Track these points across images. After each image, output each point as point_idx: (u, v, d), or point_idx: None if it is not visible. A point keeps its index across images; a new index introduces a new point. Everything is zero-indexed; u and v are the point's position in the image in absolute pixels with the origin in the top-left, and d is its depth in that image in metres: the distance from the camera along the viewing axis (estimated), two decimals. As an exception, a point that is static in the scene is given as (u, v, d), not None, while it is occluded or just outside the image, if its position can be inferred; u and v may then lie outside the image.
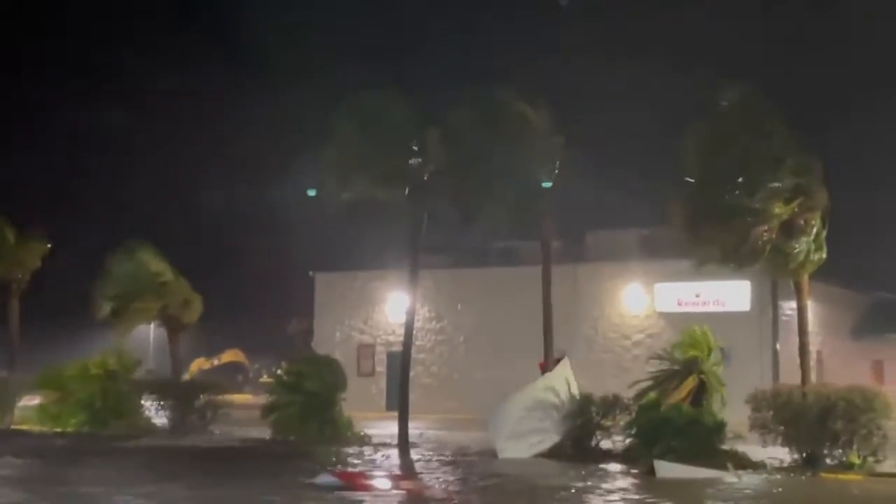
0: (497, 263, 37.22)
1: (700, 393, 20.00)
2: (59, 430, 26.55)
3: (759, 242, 18.99)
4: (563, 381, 21.89)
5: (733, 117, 19.53)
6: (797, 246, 18.98)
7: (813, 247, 19.20)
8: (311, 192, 24.33)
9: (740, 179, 18.97)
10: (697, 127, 19.86)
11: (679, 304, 33.20)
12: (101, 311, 27.62)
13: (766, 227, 18.84)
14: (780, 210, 18.83)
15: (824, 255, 19.51)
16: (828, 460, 18.78)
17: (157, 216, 52.17)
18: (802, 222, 19.04)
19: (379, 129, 22.39)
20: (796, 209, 18.97)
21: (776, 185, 18.78)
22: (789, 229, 19.06)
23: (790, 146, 19.17)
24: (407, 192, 22.93)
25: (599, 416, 21.19)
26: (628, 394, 20.95)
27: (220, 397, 27.94)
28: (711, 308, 32.27)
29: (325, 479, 16.21)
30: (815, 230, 19.18)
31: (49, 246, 29.55)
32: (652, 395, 20.20)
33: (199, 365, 53.59)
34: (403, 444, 23.04)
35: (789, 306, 22.83)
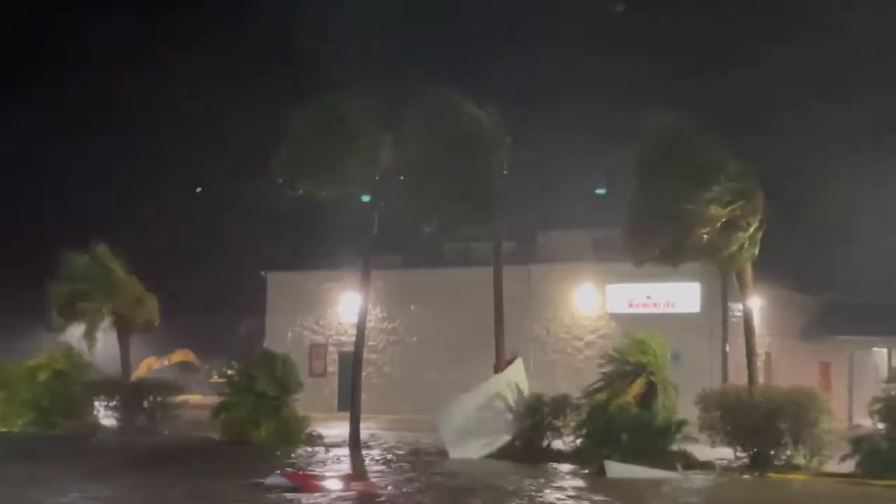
0: (450, 264, 37.25)
1: (649, 395, 20.17)
2: (5, 429, 26.16)
3: (699, 241, 19.50)
4: (515, 382, 22.00)
5: (665, 141, 20.13)
6: (732, 241, 19.46)
7: (747, 243, 19.69)
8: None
9: (680, 187, 19.52)
10: (636, 145, 20.48)
11: (630, 305, 33.42)
12: (53, 311, 27.31)
13: (706, 229, 19.32)
14: (717, 212, 19.26)
15: (756, 251, 20.02)
16: (775, 460, 19.07)
17: (109, 215, 51.57)
18: (744, 223, 19.52)
19: (334, 130, 22.45)
20: (738, 212, 19.45)
21: (715, 189, 19.29)
22: (728, 229, 19.54)
23: (726, 156, 19.74)
24: (360, 192, 23.01)
25: (550, 416, 21.31)
26: (580, 394, 21.07)
27: (169, 397, 27.69)
28: (662, 309, 32.52)
29: (275, 479, 16.14)
30: (752, 229, 19.65)
31: None
32: (602, 395, 20.34)
33: (148, 365, 52.98)
34: (355, 444, 23.02)
35: (739, 308, 23.08)
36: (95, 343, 27.55)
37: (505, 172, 22.56)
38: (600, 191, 36.65)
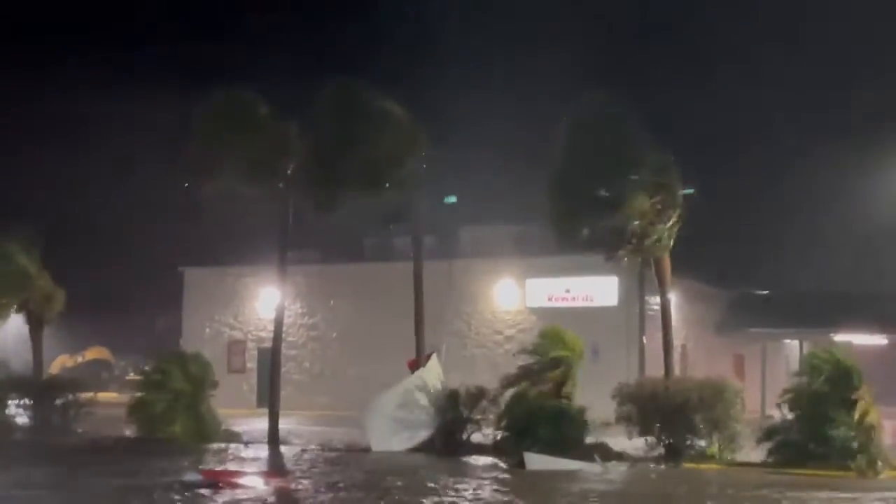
0: (371, 259, 37.18)
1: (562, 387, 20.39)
2: None
3: (623, 233, 19.82)
4: (434, 377, 22.09)
5: (588, 127, 20.35)
6: (654, 233, 19.84)
7: (666, 234, 20.08)
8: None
9: (603, 178, 19.83)
10: (558, 136, 20.74)
11: (549, 299, 33.70)
12: None
13: (629, 220, 19.64)
14: (642, 202, 19.59)
15: (671, 243, 20.45)
16: (689, 451, 19.39)
17: (21, 209, 50.34)
18: (664, 216, 19.88)
19: (241, 125, 22.30)
20: (659, 206, 19.76)
21: (636, 179, 19.63)
22: (650, 221, 19.87)
23: (647, 147, 20.08)
24: (272, 186, 22.90)
25: (467, 409, 21.39)
26: (497, 386, 21.18)
27: (83, 395, 27.17)
28: (580, 303, 32.86)
29: (192, 476, 15.93)
30: (671, 221, 20.00)
31: None
32: (522, 385, 20.45)
33: (62, 362, 51.98)
34: (273, 440, 22.86)
35: (656, 301, 23.43)
36: None
37: (424, 166, 22.59)
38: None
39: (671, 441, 19.51)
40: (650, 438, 19.65)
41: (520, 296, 34.49)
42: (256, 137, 22.47)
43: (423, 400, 21.69)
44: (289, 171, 22.98)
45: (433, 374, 22.21)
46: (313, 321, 37.30)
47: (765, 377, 35.37)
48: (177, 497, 14.36)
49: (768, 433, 18.92)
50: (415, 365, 22.71)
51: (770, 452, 18.67)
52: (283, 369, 25.01)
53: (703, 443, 19.43)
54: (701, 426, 19.30)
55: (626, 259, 21.06)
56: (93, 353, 56.18)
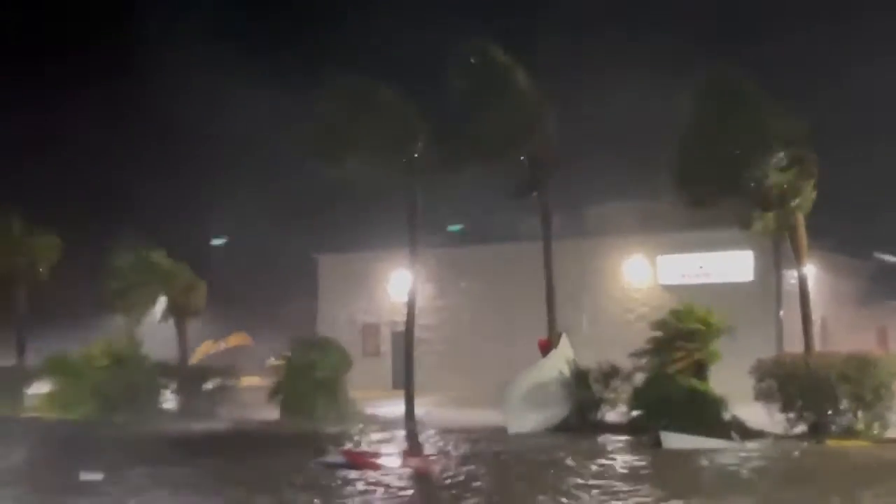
0: (499, 240, 37.23)
1: (702, 366, 20.08)
2: (68, 417, 26.64)
3: (761, 208, 19.34)
4: (567, 356, 22.09)
5: (716, 99, 19.79)
6: (787, 209, 19.29)
7: (802, 204, 19.60)
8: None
9: (742, 151, 19.29)
10: (684, 109, 20.25)
11: (682, 276, 33.22)
12: (107, 305, 27.91)
13: (768, 197, 19.12)
14: (779, 180, 19.04)
15: (809, 206, 19.87)
16: (833, 427, 18.89)
17: (159, 207, 52.07)
18: (798, 188, 19.30)
19: (365, 110, 22.47)
20: (793, 177, 19.19)
21: (776, 158, 19.03)
22: (785, 195, 19.33)
23: (777, 115, 19.42)
24: (399, 170, 23.06)
25: (601, 388, 21.35)
26: (630, 363, 21.05)
27: (228, 381, 28.12)
28: (714, 279, 32.28)
29: (333, 458, 16.36)
30: (808, 190, 19.45)
31: (59, 241, 30.36)
32: (656, 361, 20.25)
33: (205, 349, 53.64)
34: (409, 421, 23.20)
35: (792, 275, 22.85)
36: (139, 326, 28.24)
37: (552, 138, 22.47)
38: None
39: (814, 417, 19.05)
40: (791, 415, 19.24)
41: (651, 273, 34.09)
42: (381, 122, 22.60)
43: (556, 380, 21.71)
44: (416, 154, 23.08)
45: (565, 353, 22.21)
46: (444, 303, 37.59)
47: (910, 350, 34.15)
48: (320, 478, 14.77)
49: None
50: (546, 344, 22.72)
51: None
52: (416, 352, 25.32)
53: (848, 418, 18.90)
54: (846, 402, 18.76)
55: (761, 231, 20.48)
56: (234, 340, 57.76)
